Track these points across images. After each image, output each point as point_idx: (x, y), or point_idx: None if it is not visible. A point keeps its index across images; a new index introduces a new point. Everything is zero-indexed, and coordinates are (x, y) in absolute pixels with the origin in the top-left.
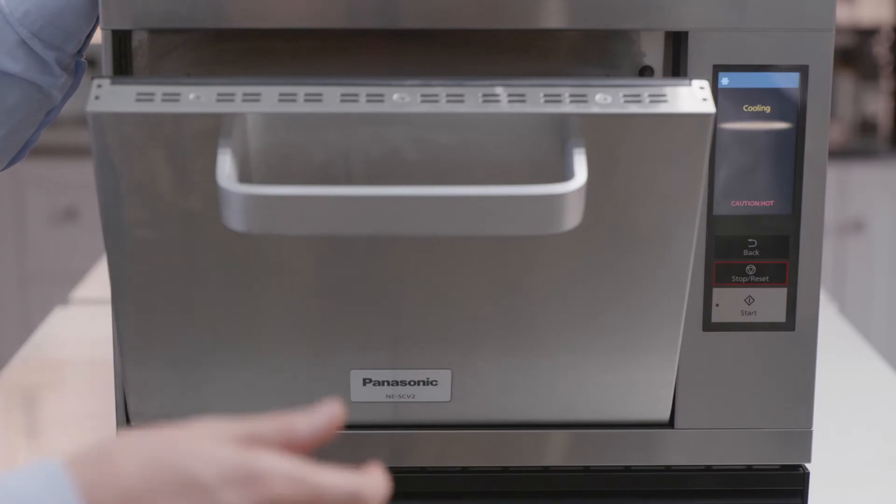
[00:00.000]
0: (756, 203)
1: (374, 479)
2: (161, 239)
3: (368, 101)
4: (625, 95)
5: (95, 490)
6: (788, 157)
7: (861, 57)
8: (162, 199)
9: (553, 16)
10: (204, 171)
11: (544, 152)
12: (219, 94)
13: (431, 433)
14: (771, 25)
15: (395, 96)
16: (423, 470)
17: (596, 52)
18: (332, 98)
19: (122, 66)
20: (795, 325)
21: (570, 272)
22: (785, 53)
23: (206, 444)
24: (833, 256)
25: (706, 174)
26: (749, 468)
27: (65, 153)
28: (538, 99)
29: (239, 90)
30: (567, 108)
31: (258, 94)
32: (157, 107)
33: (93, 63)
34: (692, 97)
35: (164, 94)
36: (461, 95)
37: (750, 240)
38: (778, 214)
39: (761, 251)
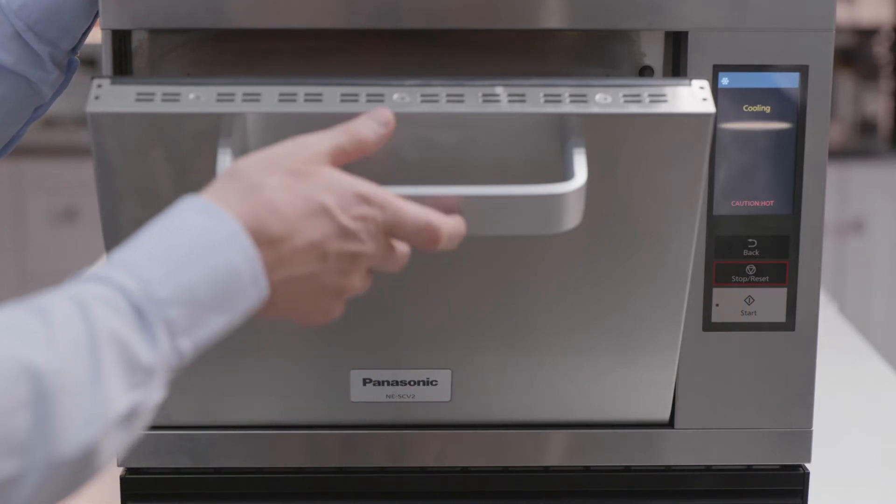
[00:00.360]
0: (756, 203)
1: (454, 222)
2: None
3: (368, 100)
4: (625, 95)
5: (258, 219)
6: (788, 157)
7: (861, 57)
8: (162, 198)
9: (553, 16)
10: (204, 171)
11: (544, 152)
12: (219, 94)
13: (431, 433)
14: (771, 25)
15: (395, 96)
16: (423, 470)
17: (596, 52)
18: (332, 98)
19: (122, 66)
20: (795, 325)
21: (570, 272)
22: (785, 53)
23: (319, 173)
24: (833, 256)
25: (706, 174)
26: (749, 468)
27: (65, 153)
28: (538, 99)
29: (239, 90)
30: (567, 107)
31: (258, 94)
32: (157, 107)
33: (91, 63)
34: (692, 97)
35: (164, 94)
36: (461, 95)
37: (750, 240)
38: (778, 214)
39: (761, 251)
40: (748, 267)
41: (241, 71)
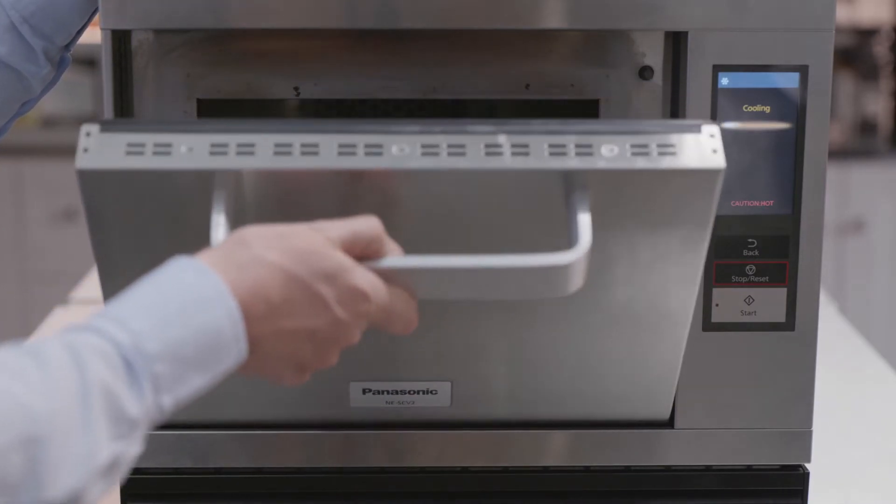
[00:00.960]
0: (756, 203)
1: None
2: None
3: (367, 153)
4: (632, 146)
5: (252, 293)
6: (788, 157)
7: (861, 57)
8: (157, 248)
9: (553, 16)
10: (199, 220)
11: (548, 199)
12: (212, 145)
13: (431, 433)
14: (771, 25)
15: (395, 149)
16: (423, 470)
17: (596, 52)
18: (330, 149)
19: (122, 66)
20: (795, 325)
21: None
22: (785, 53)
23: (327, 260)
24: (833, 256)
25: (713, 218)
26: (749, 468)
27: (65, 153)
28: (542, 151)
29: (233, 140)
30: (573, 162)
31: (252, 145)
32: (149, 161)
33: (91, 63)
34: (701, 148)
35: (156, 145)
36: (462, 146)
37: (750, 240)
38: (778, 214)
39: (761, 251)
40: (748, 267)
41: (241, 71)
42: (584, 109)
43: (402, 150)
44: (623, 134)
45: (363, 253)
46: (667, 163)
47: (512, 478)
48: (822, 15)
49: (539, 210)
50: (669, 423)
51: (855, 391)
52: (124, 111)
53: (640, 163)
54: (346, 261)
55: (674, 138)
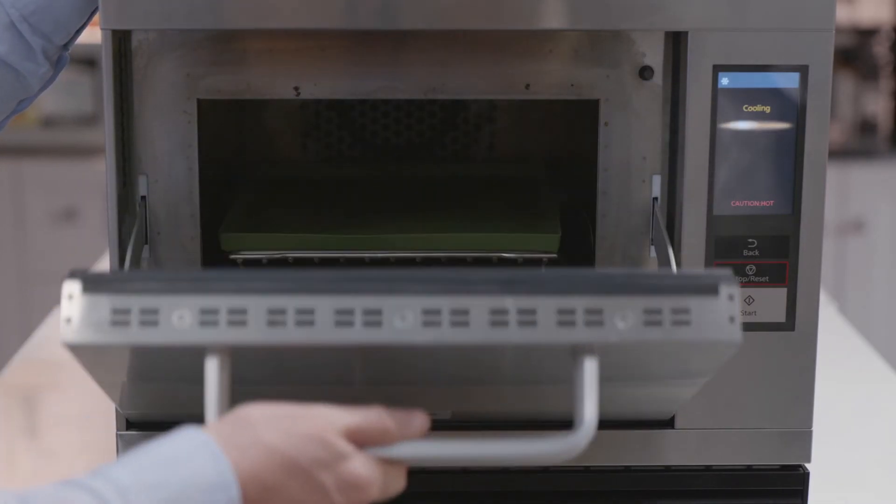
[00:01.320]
0: (756, 203)
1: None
2: (171, 405)
3: (365, 324)
4: (644, 312)
5: (250, 478)
6: (788, 157)
7: (861, 57)
8: (163, 389)
9: (553, 16)
10: (198, 376)
11: (553, 359)
12: (201, 312)
13: (431, 433)
14: (771, 25)
15: (397, 322)
16: (423, 470)
17: (596, 52)
18: (326, 316)
19: (122, 66)
20: (795, 325)
21: None
22: (785, 53)
23: (329, 448)
24: (833, 256)
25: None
26: (749, 468)
27: (65, 153)
28: (550, 318)
29: (223, 304)
30: (582, 334)
31: (244, 311)
32: (135, 335)
33: (91, 63)
34: (718, 315)
35: (142, 312)
36: (466, 313)
37: (750, 240)
38: (778, 214)
39: (761, 251)
40: (748, 267)
41: (241, 71)
42: (585, 109)
43: (404, 318)
44: (635, 295)
45: (368, 442)
46: (680, 334)
47: (512, 478)
48: (822, 15)
49: (543, 368)
50: (669, 423)
51: (855, 391)
52: (124, 111)
53: (654, 334)
54: (348, 448)
55: (689, 303)
